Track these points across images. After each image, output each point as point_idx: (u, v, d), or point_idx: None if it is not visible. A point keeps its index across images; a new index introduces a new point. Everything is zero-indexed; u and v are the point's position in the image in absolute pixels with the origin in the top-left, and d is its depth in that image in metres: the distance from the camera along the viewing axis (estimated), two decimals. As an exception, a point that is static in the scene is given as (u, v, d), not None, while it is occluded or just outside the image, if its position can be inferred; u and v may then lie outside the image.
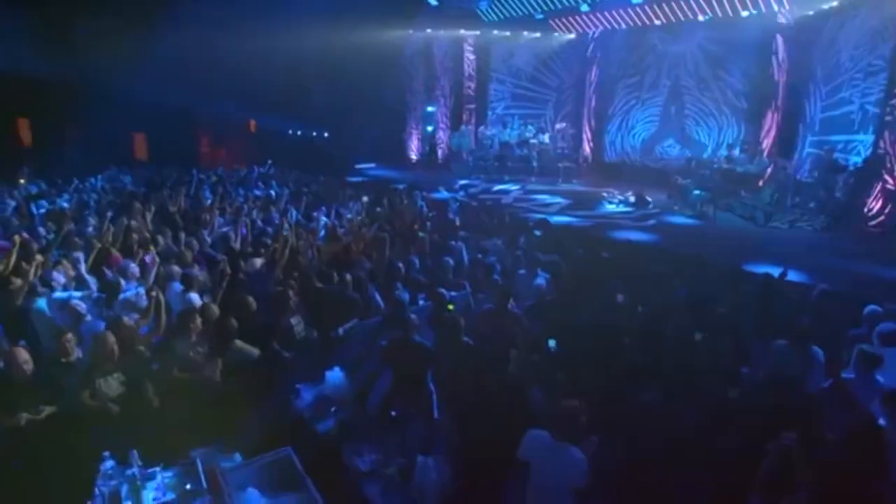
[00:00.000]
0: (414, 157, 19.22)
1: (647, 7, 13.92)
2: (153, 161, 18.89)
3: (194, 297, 5.06)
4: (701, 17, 13.76)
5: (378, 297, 5.34)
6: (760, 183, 11.59)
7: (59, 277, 5.26)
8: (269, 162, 14.59)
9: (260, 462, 3.69)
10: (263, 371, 4.47)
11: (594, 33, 16.61)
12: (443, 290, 5.03)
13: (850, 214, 9.89)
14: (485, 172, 16.02)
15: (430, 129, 19.09)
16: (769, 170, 11.95)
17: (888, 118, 9.72)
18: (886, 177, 9.97)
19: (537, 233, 7.11)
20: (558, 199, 12.32)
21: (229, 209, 9.01)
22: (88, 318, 4.81)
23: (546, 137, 16.66)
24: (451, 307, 5.03)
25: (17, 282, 5.66)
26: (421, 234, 6.88)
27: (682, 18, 13.99)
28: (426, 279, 6.01)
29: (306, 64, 17.03)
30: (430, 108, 18.96)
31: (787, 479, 2.83)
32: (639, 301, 4.99)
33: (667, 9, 13.82)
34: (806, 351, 4.18)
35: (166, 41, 16.29)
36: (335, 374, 4.62)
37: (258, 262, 5.81)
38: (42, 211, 9.62)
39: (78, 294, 5.15)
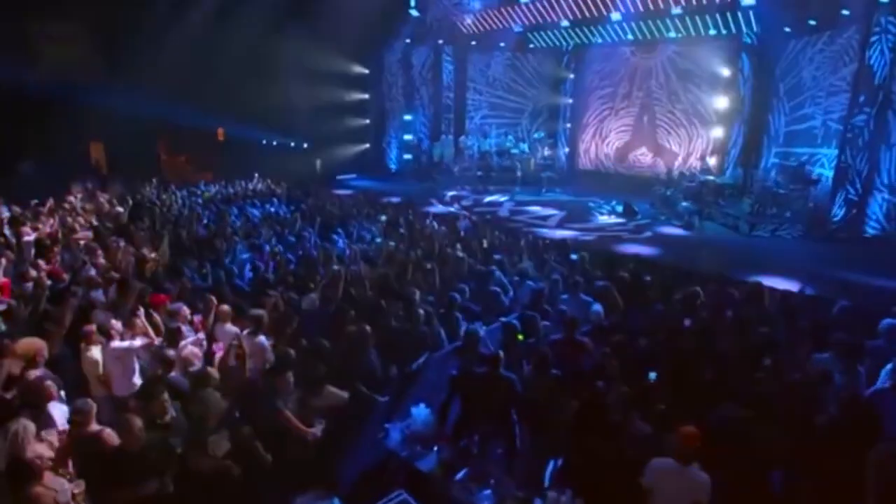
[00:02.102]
0: (393, 166, 19.21)
1: (623, 23, 14.58)
2: (113, 172, 17.92)
3: (263, 340, 4.99)
4: (672, 34, 14.59)
5: (442, 331, 5.45)
6: (727, 192, 12.52)
7: (116, 325, 5.02)
8: (257, 175, 14.17)
9: (379, 509, 3.77)
10: (354, 414, 4.51)
11: (569, 46, 17.19)
12: (514, 321, 5.22)
13: (821, 223, 10.86)
14: (469, 183, 16.28)
15: (407, 137, 19.14)
16: (741, 180, 12.98)
17: (849, 135, 10.74)
18: (849, 187, 11.07)
19: (574, 257, 7.42)
20: (552, 211, 12.75)
21: (240, 232, 8.78)
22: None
23: (526, 147, 17.12)
24: (520, 337, 5.23)
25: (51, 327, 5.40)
26: (460, 254, 7.01)
27: (655, 34, 14.77)
28: (475, 306, 6.17)
29: (283, 70, 16.68)
30: (406, 117, 19.01)
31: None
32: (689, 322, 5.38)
33: (642, 25, 14.54)
34: (852, 364, 4.69)
35: (127, 44, 15.56)
36: (421, 411, 4.71)
37: (313, 296, 5.76)
38: (29, 239, 8.99)
39: (138, 343, 4.96)
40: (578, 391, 4.46)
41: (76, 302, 5.62)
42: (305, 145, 17.88)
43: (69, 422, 4.17)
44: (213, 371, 4.25)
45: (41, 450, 3.70)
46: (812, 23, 11.68)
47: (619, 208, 12.93)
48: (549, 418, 4.51)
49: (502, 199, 14.57)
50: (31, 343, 4.68)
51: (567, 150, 18.36)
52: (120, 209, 11.77)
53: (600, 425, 3.97)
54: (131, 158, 17.54)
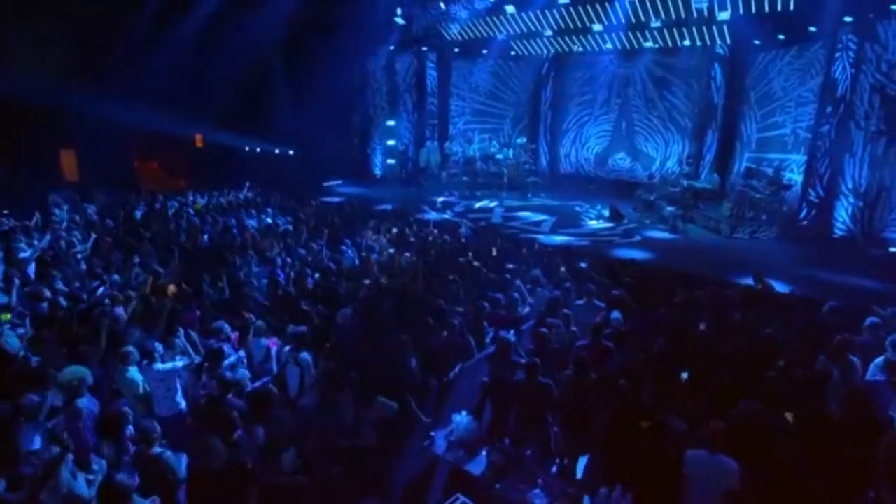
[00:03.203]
0: (378, 172, 19.33)
1: (604, 33, 15.16)
2: (85, 181, 17.40)
3: (307, 356, 5.15)
4: (649, 44, 15.26)
5: (472, 340, 5.74)
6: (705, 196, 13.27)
7: (158, 346, 5.09)
8: (248, 184, 14.07)
9: (442, 514, 4.02)
10: (403, 423, 4.74)
11: (550, 53, 17.68)
12: (544, 330, 5.54)
13: (793, 224, 11.67)
14: (457, 188, 16.58)
15: (390, 143, 19.29)
16: (719, 184, 13.79)
17: (819, 143, 11.57)
18: (810, 189, 11.92)
19: (583, 265, 7.81)
20: (543, 217, 13.17)
21: (249, 244, 8.81)
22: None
23: (510, 152, 17.53)
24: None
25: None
26: (476, 264, 7.30)
27: (634, 45, 15.41)
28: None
29: (267, 77, 16.58)
30: (389, 123, 19.15)
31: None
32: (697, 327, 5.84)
33: (622, 35, 15.13)
34: (846, 359, 5.23)
35: (104, 48, 15.19)
36: (463, 418, 4.99)
37: (347, 310, 5.93)
38: (25, 255, 8.76)
39: (181, 363, 5.04)
40: (612, 393, 4.83)
41: (108, 322, 5.63)
42: (291, 152, 17.78)
43: (132, 442, 4.29)
44: (273, 389, 4.41)
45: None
46: (781, 37, 12.49)
47: (606, 212, 13.47)
48: (586, 419, 4.86)
49: (492, 204, 14.92)
50: (76, 372, 4.71)
51: (548, 155, 18.87)
52: (109, 221, 11.56)
53: (640, 425, 4.34)
54: (104, 166, 17.08)
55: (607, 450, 4.44)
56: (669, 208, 12.26)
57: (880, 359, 5.31)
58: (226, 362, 5.13)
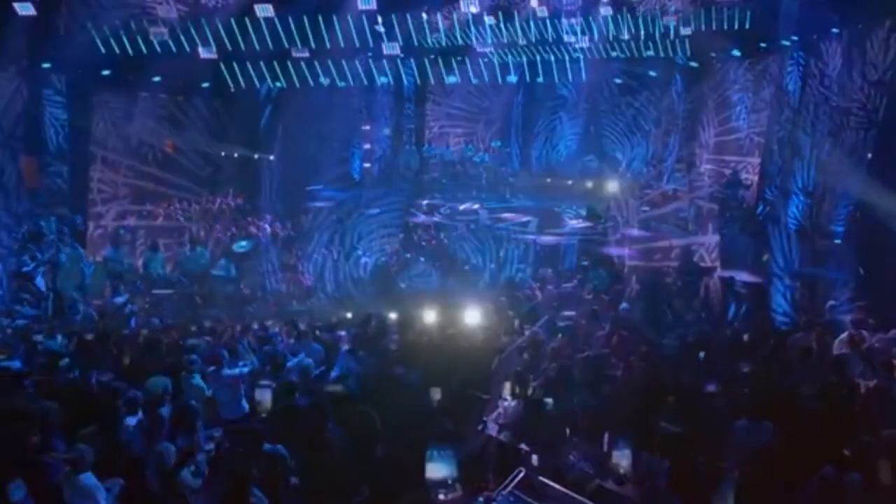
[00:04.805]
0: (356, 176, 19.54)
1: (575, 44, 16.09)
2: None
3: (363, 356, 5.60)
4: (615, 54, 16.33)
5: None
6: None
7: (223, 352, 5.40)
8: (231, 191, 14.07)
9: (510, 487, 4.62)
10: (462, 409, 5.31)
11: (521, 60, 18.39)
12: (572, 323, 6.24)
13: (752, 220, 12.98)
14: (438, 191, 17.10)
15: (367, 146, 19.56)
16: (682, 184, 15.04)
17: (774, 147, 12.93)
18: (766, 189, 13.31)
19: (584, 263, 8.58)
20: (526, 217, 13.94)
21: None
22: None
23: (486, 155, 18.21)
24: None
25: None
26: (492, 265, 7.91)
27: (603, 54, 16.42)
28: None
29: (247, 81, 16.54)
30: (365, 127, 19.43)
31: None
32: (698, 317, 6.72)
33: (592, 46, 16.10)
34: (824, 338, 6.21)
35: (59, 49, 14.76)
36: (509, 403, 5.61)
37: (392, 315, 6.41)
38: (27, 269, 8.68)
39: (247, 369, 5.39)
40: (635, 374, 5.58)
41: (166, 338, 5.87)
42: (272, 157, 17.72)
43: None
44: (347, 388, 4.86)
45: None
46: (736, 53, 13.84)
47: (583, 212, 14.41)
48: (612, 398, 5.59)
49: (474, 206, 15.54)
50: (158, 382, 5.00)
51: (520, 157, 19.65)
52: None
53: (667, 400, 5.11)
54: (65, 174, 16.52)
55: (639, 423, 5.17)
56: (642, 208, 13.32)
57: (844, 335, 6.34)
58: (289, 364, 5.53)
